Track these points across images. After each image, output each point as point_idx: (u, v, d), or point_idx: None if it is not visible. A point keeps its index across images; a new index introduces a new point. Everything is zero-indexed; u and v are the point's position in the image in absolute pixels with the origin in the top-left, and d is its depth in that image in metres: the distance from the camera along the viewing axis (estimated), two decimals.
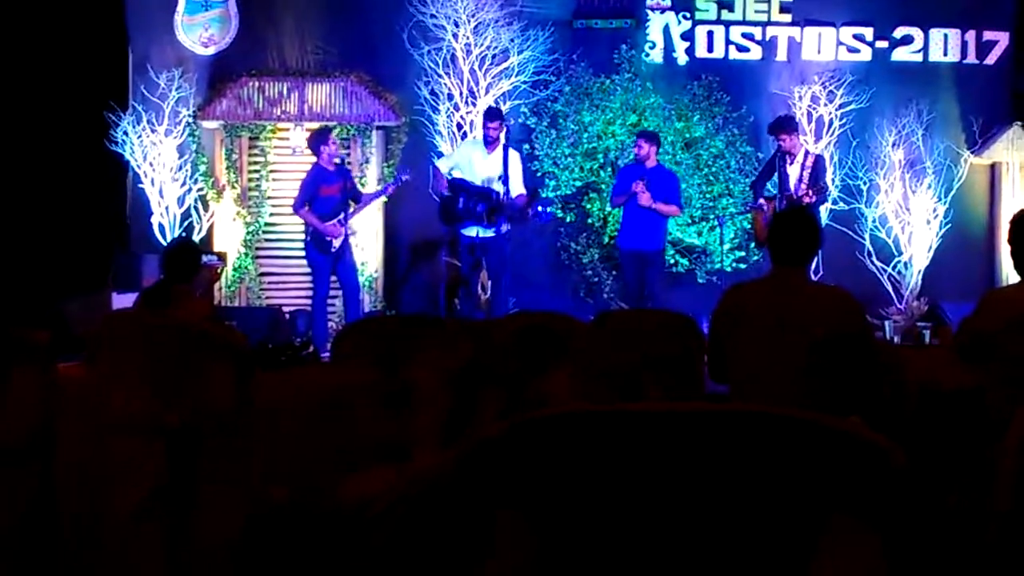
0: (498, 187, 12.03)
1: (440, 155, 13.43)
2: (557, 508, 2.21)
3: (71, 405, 5.30)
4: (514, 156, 12.38)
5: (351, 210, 12.43)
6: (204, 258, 10.69)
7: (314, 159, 12.55)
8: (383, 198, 13.40)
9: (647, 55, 14.70)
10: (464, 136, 14.05)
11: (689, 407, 2.26)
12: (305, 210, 12.29)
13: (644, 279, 12.33)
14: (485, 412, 5.29)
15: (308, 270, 12.88)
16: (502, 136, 12.48)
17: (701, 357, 6.68)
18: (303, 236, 12.91)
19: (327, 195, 12.22)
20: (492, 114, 12.50)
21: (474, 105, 14.10)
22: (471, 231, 12.06)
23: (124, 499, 5.25)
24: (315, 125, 14.15)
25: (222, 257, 13.69)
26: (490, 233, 12.05)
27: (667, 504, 2.21)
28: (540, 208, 12.26)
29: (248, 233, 14.36)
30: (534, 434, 2.24)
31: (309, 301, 13.19)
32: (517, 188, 12.14)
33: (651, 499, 2.21)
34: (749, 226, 13.20)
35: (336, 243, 12.23)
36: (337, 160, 12.59)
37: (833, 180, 13.79)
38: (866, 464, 2.20)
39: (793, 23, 14.74)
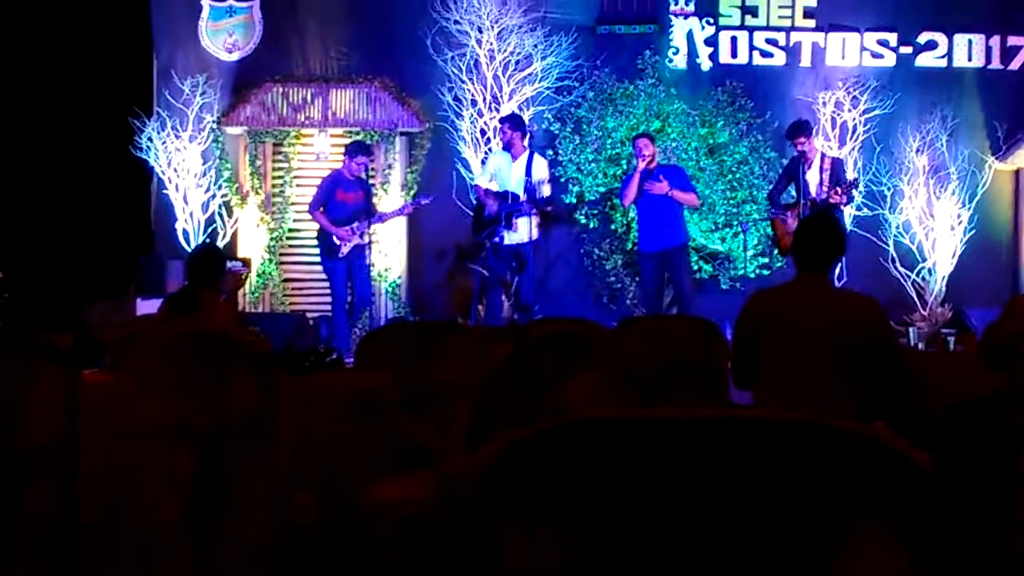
0: (520, 192, 12.08)
1: (463, 162, 13.48)
2: (583, 514, 2.21)
3: (96, 410, 5.31)
4: (539, 161, 12.42)
5: (365, 224, 12.45)
6: (228, 264, 10.71)
7: (338, 163, 12.62)
8: (401, 216, 13.44)
9: (671, 61, 14.68)
10: (488, 142, 14.06)
11: (712, 414, 2.25)
12: (319, 212, 12.36)
13: (671, 279, 12.32)
14: (508, 419, 5.28)
15: (317, 278, 12.97)
16: (525, 142, 12.53)
17: (725, 363, 6.67)
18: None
19: (343, 201, 12.26)
20: (503, 120, 12.62)
21: (497, 111, 14.08)
22: (495, 237, 12.10)
23: (149, 505, 5.26)
24: (339, 131, 14.21)
25: (246, 263, 13.71)
26: (515, 239, 12.09)
27: (688, 511, 2.21)
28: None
29: (272, 239, 14.39)
30: (561, 439, 2.24)
31: (321, 309, 13.25)
32: (542, 192, 12.18)
33: (672, 506, 2.21)
34: (772, 233, 13.17)
35: (345, 249, 12.25)
36: (361, 175, 12.65)
37: (856, 186, 13.76)
38: (891, 470, 2.19)
39: (817, 28, 14.70)
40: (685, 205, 12.54)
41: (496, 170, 12.43)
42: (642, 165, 12.17)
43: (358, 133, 14.07)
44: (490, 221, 12.16)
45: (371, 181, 13.48)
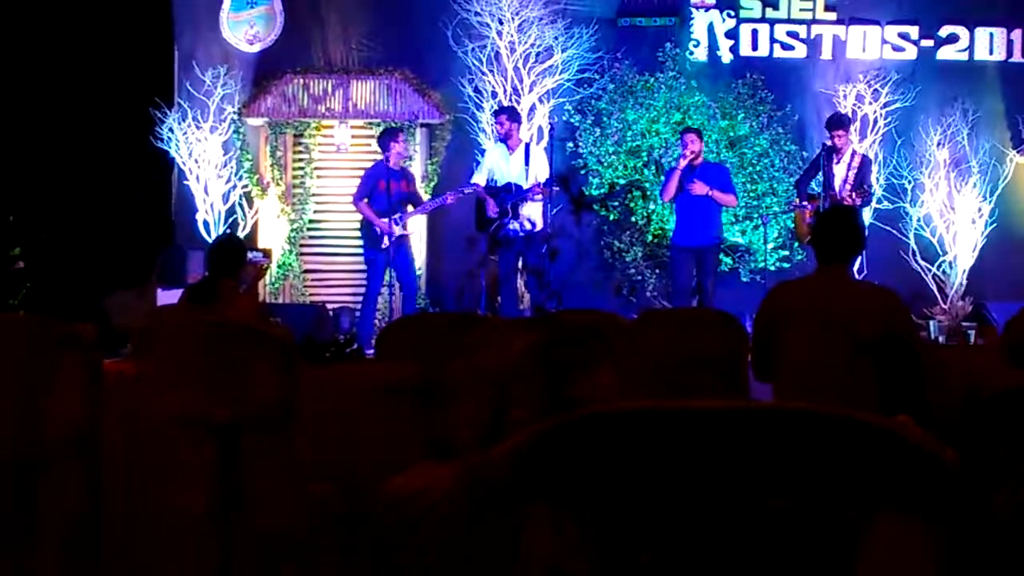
0: (521, 182, 12.11)
1: (483, 151, 13.47)
2: (606, 505, 2.22)
3: (117, 400, 5.33)
4: (536, 151, 12.47)
5: (409, 211, 12.47)
6: (249, 255, 10.73)
7: (360, 155, 12.66)
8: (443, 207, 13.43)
9: (691, 53, 14.65)
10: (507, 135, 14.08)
11: (733, 405, 2.26)
12: (363, 203, 12.38)
13: (697, 276, 12.30)
14: (528, 411, 5.29)
15: (352, 267, 12.97)
16: (522, 133, 12.62)
17: (745, 356, 6.68)
18: (348, 233, 13.01)
19: (384, 190, 12.27)
20: (500, 111, 12.69)
21: (518, 103, 14.08)
22: (502, 229, 12.12)
23: (172, 495, 5.28)
24: (359, 122, 14.24)
25: (267, 254, 13.72)
26: (517, 227, 12.11)
27: (709, 503, 2.21)
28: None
29: (292, 230, 14.42)
30: (588, 429, 2.25)
31: (353, 298, 13.24)
32: (538, 178, 12.19)
33: (692, 498, 2.21)
34: (792, 225, 13.15)
35: (387, 240, 12.27)
36: (404, 162, 12.70)
37: (878, 179, 13.72)
38: (914, 464, 2.19)
39: (838, 21, 14.67)
40: (723, 205, 12.53)
41: (494, 165, 12.43)
42: (683, 163, 12.15)
43: (379, 124, 14.07)
44: (497, 215, 12.17)
45: None
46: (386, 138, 12.54)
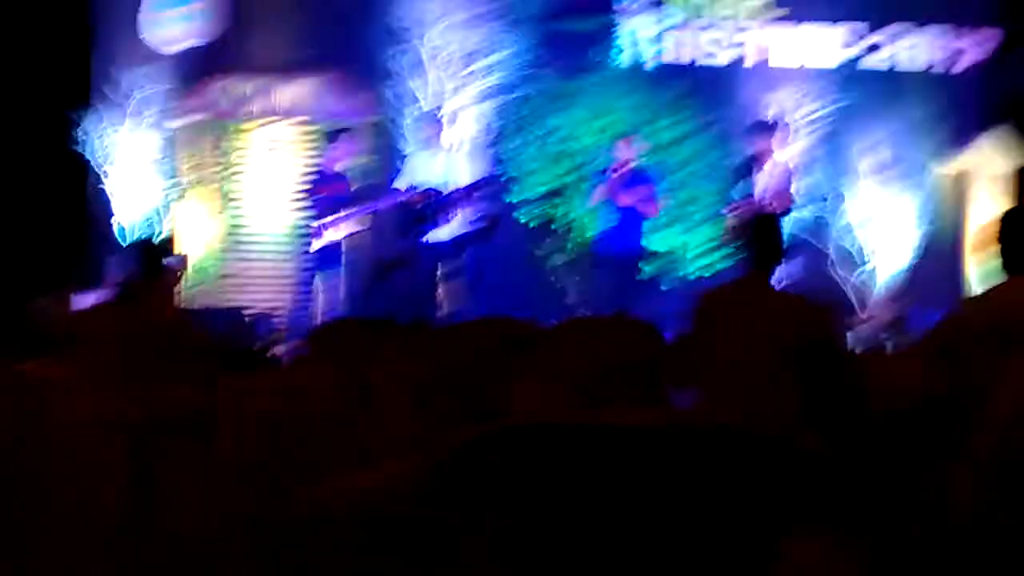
0: (442, 188, 12.13)
1: (404, 156, 13.44)
2: (520, 518, 2.20)
3: (39, 402, 5.27)
4: (457, 156, 12.52)
5: (333, 217, 12.44)
6: (167, 259, 10.65)
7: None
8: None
9: (617, 59, 14.67)
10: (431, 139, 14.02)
11: (646, 420, 2.25)
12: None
13: (622, 284, 12.32)
14: (448, 419, 5.26)
15: (270, 273, 12.92)
16: (442, 137, 12.65)
17: (664, 364, 6.68)
18: (270, 237, 13.00)
19: (320, 196, 12.32)
20: (422, 117, 12.83)
21: (440, 108, 14.03)
22: (425, 237, 12.13)
23: (86, 498, 5.22)
24: (282, 124, 14.14)
25: (184, 258, 13.62)
26: (443, 236, 12.12)
27: (622, 515, 2.20)
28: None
29: (213, 234, 14.30)
30: (500, 445, 2.22)
31: (271, 304, 13.20)
32: (458, 183, 12.22)
33: (607, 510, 2.20)
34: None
35: (316, 244, 12.30)
36: (339, 167, 12.68)
37: (799, 188, 13.79)
38: (817, 474, 2.19)
39: (763, 28, 14.74)
40: (644, 214, 12.57)
41: (414, 170, 12.44)
42: (615, 175, 12.23)
43: (306, 126, 14.02)
44: (416, 221, 12.17)
45: None
46: (330, 139, 12.66)
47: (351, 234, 12.52)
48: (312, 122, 14.32)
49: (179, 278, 13.21)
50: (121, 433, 5.00)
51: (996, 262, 5.68)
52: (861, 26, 14.70)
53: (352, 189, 12.71)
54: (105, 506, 5.15)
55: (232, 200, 14.37)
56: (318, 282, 12.57)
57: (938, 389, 5.79)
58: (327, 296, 12.68)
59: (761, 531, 2.23)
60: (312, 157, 13.50)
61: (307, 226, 12.50)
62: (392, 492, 2.67)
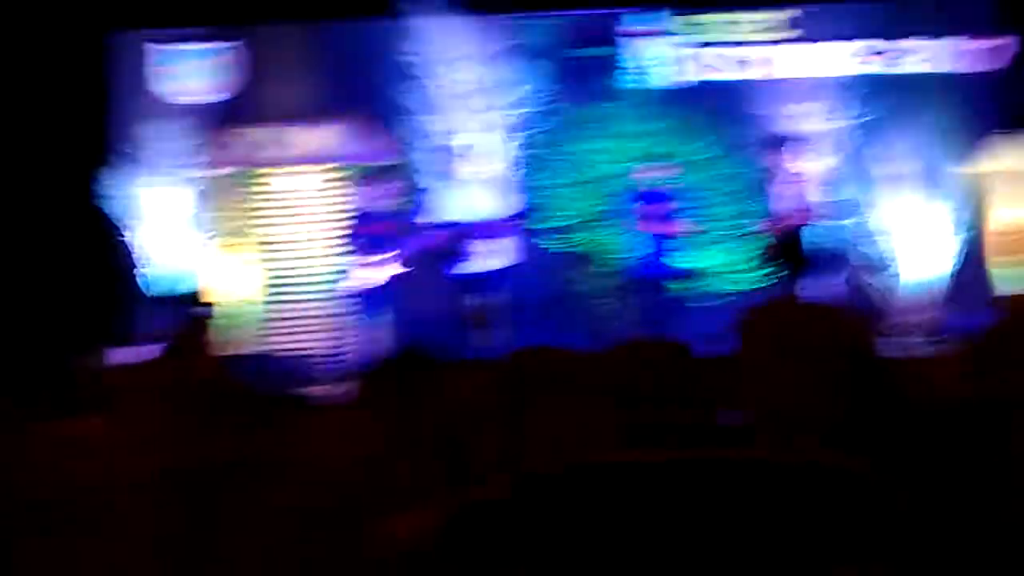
0: (467, 220, 12.18)
1: (424, 191, 13.49)
2: (554, 562, 2.22)
3: (85, 459, 5.30)
4: (479, 189, 12.53)
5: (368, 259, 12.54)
6: (202, 308, 10.70)
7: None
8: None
9: (635, 81, 14.71)
10: (447, 174, 14.09)
11: (704, 455, 2.26)
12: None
13: (655, 305, 12.36)
14: (486, 452, 5.29)
15: (304, 317, 12.94)
16: (466, 171, 12.66)
17: (704, 384, 6.70)
18: (304, 280, 13.07)
19: (368, 235, 12.39)
20: (442, 149, 12.84)
21: (458, 141, 14.09)
22: (458, 269, 12.16)
23: (141, 552, 5.25)
24: (307, 169, 14.21)
25: (214, 306, 13.67)
26: (475, 268, 12.16)
27: (681, 548, 2.22)
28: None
29: (246, 282, 14.35)
30: (531, 492, 2.26)
31: (308, 348, 13.25)
32: (483, 216, 12.26)
33: (664, 544, 2.21)
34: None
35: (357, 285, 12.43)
36: (380, 205, 12.76)
37: (821, 200, 13.78)
38: (865, 503, 2.21)
39: (781, 42, 14.77)
40: (669, 234, 12.62)
41: (436, 204, 12.48)
42: (639, 199, 12.31)
43: (333, 170, 14.09)
44: (440, 255, 12.22)
45: None
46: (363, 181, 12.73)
47: (396, 275, 12.56)
48: (338, 167, 14.38)
49: (209, 327, 13.30)
50: (174, 487, 5.04)
51: None
52: (875, 35, 14.72)
53: (394, 228, 12.75)
54: (160, 556, 5.18)
55: (266, 246, 14.43)
56: (360, 324, 12.61)
57: (985, 393, 5.82)
58: (369, 337, 12.72)
59: (812, 563, 2.26)
60: (342, 200, 13.53)
61: (346, 269, 12.53)
62: (421, 540, 2.71)
